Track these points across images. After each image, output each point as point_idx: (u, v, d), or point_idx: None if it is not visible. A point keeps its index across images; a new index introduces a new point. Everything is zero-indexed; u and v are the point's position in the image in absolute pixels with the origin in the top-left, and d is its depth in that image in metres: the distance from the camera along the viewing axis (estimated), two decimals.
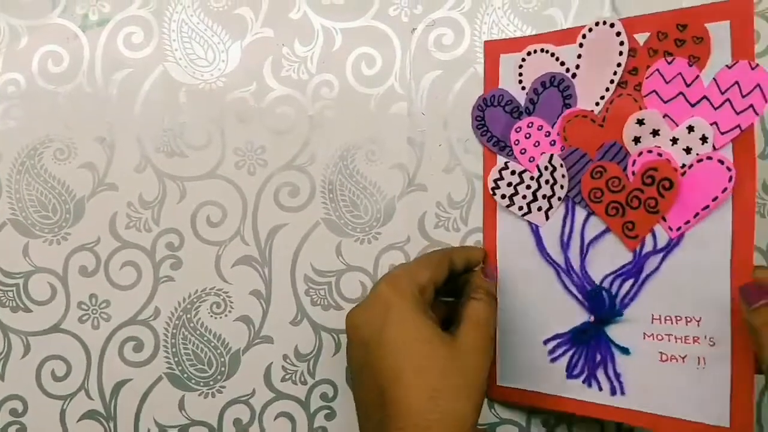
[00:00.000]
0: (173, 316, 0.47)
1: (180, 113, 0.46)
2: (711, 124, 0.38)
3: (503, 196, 0.45)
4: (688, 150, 0.39)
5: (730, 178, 0.38)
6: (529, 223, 0.44)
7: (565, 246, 0.43)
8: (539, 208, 0.44)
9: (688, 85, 0.39)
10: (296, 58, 0.46)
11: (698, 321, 0.39)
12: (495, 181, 0.45)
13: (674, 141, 0.39)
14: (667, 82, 0.39)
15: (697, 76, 0.39)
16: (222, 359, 0.47)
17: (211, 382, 0.47)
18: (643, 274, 0.40)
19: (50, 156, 0.46)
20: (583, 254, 0.43)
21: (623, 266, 0.41)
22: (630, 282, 0.41)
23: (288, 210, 0.47)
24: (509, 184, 0.45)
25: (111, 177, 0.47)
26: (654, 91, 0.40)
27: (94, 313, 0.47)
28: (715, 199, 0.38)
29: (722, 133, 0.38)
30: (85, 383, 0.47)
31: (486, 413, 0.48)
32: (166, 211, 0.47)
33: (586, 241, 0.42)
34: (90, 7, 0.46)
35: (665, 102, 0.40)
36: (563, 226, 0.43)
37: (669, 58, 0.39)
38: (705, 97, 0.39)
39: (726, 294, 0.38)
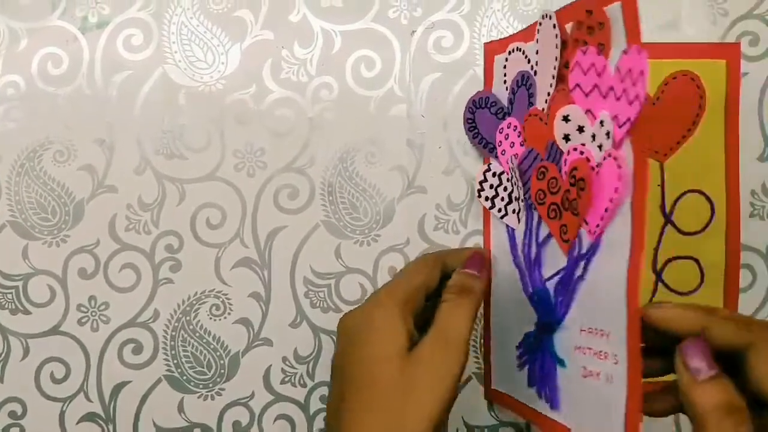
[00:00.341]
0: (172, 318, 0.47)
1: (179, 115, 0.46)
2: (612, 118, 0.33)
3: (486, 198, 0.45)
4: (601, 147, 0.34)
5: (620, 177, 0.32)
6: (507, 225, 0.44)
7: (525, 249, 0.42)
8: (513, 210, 0.43)
9: (599, 76, 0.34)
10: (296, 61, 0.46)
11: (607, 335, 0.33)
12: (480, 183, 0.45)
13: (594, 137, 0.35)
14: (584, 74, 0.35)
15: (605, 65, 0.34)
16: (221, 361, 0.47)
17: (211, 385, 0.47)
18: (573, 281, 0.37)
19: (50, 158, 0.46)
20: (534, 257, 0.41)
21: (559, 271, 0.38)
22: (567, 288, 0.37)
23: (287, 212, 0.47)
24: (491, 186, 0.44)
25: (110, 179, 0.47)
26: (577, 84, 0.35)
27: (94, 315, 0.47)
28: (611, 201, 0.33)
29: (619, 127, 0.32)
30: (85, 385, 0.47)
31: (485, 415, 0.48)
32: (165, 213, 0.47)
33: (536, 244, 0.41)
34: (89, 10, 0.46)
35: (586, 95, 0.35)
36: (525, 229, 0.42)
37: (584, 48, 0.35)
38: (612, 87, 0.33)
39: (622, 306, 0.32)
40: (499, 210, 0.44)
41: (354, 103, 0.46)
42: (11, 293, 0.47)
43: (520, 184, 0.42)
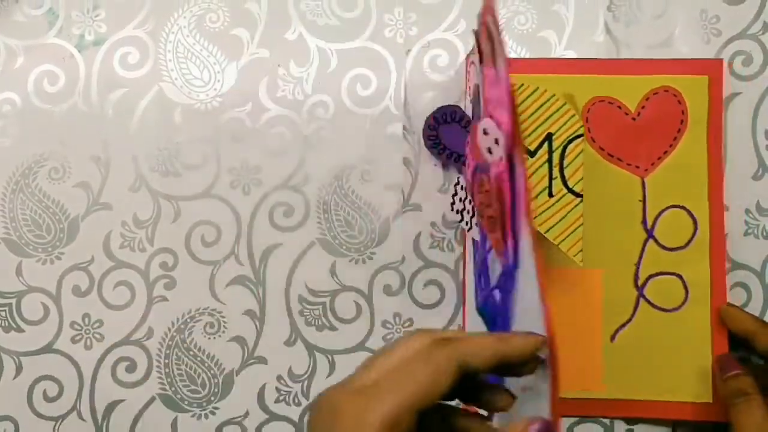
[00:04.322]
0: (167, 336, 0.47)
1: (175, 133, 0.46)
2: (498, 126, 0.32)
3: (457, 212, 0.44)
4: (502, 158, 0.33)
5: (510, 187, 0.31)
6: (473, 239, 0.43)
7: (477, 263, 0.40)
8: (476, 224, 0.40)
9: (496, 87, 0.32)
10: (292, 79, 0.47)
11: None
12: (452, 196, 0.44)
13: None
14: (491, 86, 0.33)
15: (494, 71, 0.32)
16: (215, 380, 0.47)
17: (205, 403, 0.47)
18: (510, 291, 0.34)
19: (45, 175, 0.46)
20: (482, 270, 0.39)
21: (498, 280, 0.36)
22: (505, 301, 0.35)
23: (283, 230, 0.47)
24: (461, 200, 0.44)
25: (105, 196, 0.46)
26: (488, 97, 0.34)
27: (87, 333, 0.47)
28: (503, 210, 0.32)
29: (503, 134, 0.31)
30: (78, 404, 0.47)
31: None
32: (160, 230, 0.47)
33: (483, 257, 0.39)
34: (86, 28, 0.46)
35: (494, 108, 0.33)
36: (479, 241, 0.40)
37: (472, 57, 0.34)
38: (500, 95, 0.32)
39: (538, 319, 0.29)
40: (466, 223, 0.43)
41: (349, 122, 0.47)
42: (4, 311, 0.46)
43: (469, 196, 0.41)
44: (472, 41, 0.46)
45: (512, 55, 0.46)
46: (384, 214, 0.47)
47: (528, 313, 0.31)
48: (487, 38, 0.32)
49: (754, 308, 0.47)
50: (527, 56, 0.46)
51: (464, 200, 0.43)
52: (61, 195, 0.46)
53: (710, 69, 0.45)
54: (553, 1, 0.46)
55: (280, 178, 0.47)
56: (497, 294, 0.37)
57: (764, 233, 0.47)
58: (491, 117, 0.32)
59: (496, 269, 0.37)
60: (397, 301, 0.47)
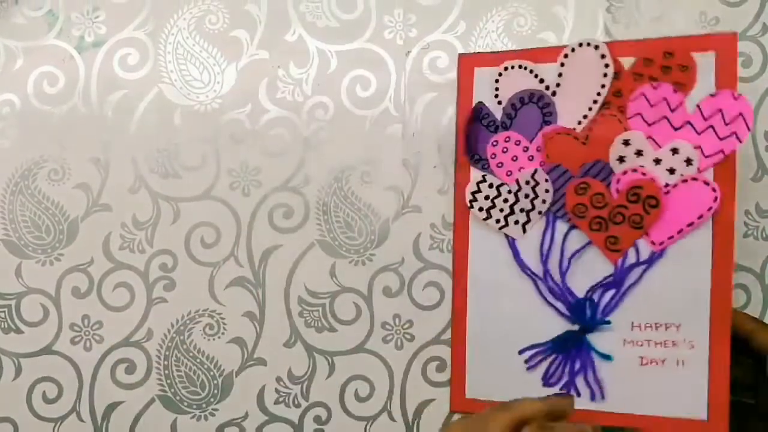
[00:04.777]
0: (166, 337, 0.47)
1: (175, 134, 0.46)
2: (695, 148, 0.40)
3: (480, 209, 0.45)
4: (672, 170, 0.41)
5: (715, 198, 0.40)
6: (506, 235, 0.45)
7: (544, 258, 0.44)
8: (516, 222, 0.44)
9: (672, 110, 0.41)
10: (291, 80, 0.47)
11: (677, 326, 0.42)
12: (473, 194, 0.45)
13: (657, 161, 0.41)
14: (651, 106, 0.41)
15: (681, 102, 0.41)
16: (215, 381, 0.47)
17: (204, 405, 0.47)
18: (625, 285, 0.42)
19: (44, 176, 0.46)
20: (565, 266, 0.43)
21: (606, 278, 0.43)
22: (611, 292, 0.43)
23: (282, 231, 0.47)
24: (486, 197, 0.44)
25: (105, 198, 0.46)
26: (639, 113, 0.42)
27: (87, 334, 0.47)
28: (700, 217, 0.40)
29: (706, 157, 0.40)
30: (77, 405, 0.47)
31: None
32: (160, 232, 0.47)
33: (567, 254, 0.43)
34: (86, 29, 0.46)
35: (649, 124, 0.41)
36: (543, 239, 0.44)
37: (654, 83, 0.41)
38: (689, 122, 0.41)
39: (706, 301, 0.41)
40: (497, 221, 0.45)
41: (349, 123, 0.47)
42: (4, 312, 0.46)
43: (543, 197, 0.43)
44: (471, 42, 0.46)
45: None
46: (383, 215, 0.47)
47: (659, 296, 0.42)
48: None
49: (754, 309, 0.47)
50: None
51: (494, 198, 0.44)
52: (61, 196, 0.46)
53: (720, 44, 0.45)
54: (552, 3, 0.46)
55: (280, 180, 0.47)
56: (600, 284, 0.43)
57: (764, 235, 0.47)
58: (629, 129, 0.42)
59: (594, 264, 0.43)
60: (396, 302, 0.47)
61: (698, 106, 0.41)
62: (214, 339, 0.47)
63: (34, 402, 0.47)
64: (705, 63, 0.40)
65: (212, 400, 0.47)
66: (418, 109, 0.46)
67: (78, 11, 0.46)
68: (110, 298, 0.47)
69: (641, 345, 0.42)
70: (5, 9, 0.46)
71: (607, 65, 0.42)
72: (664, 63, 0.41)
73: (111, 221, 0.46)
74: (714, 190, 0.40)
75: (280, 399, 0.47)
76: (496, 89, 0.44)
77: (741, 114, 0.40)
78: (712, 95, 0.40)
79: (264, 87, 0.47)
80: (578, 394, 0.43)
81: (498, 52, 0.45)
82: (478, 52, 0.46)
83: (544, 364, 0.44)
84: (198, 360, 0.47)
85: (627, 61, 0.42)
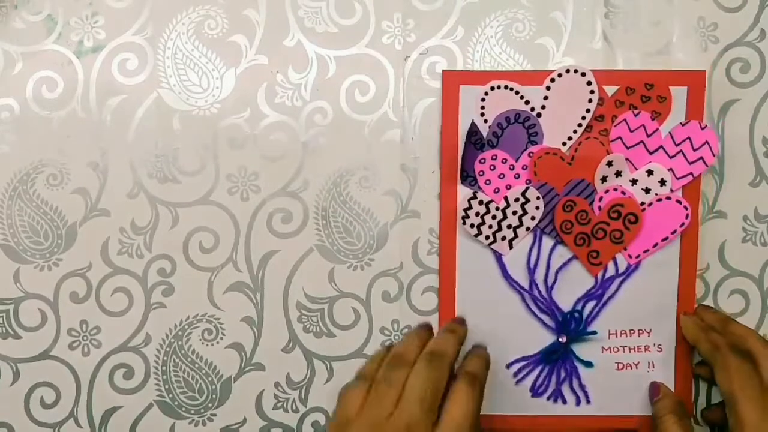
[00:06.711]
0: (164, 342, 0.47)
1: (174, 139, 0.46)
2: (668, 170, 0.45)
3: (472, 226, 0.46)
4: (647, 190, 0.46)
5: (687, 215, 0.45)
6: (493, 251, 0.46)
7: (531, 273, 0.46)
8: (503, 238, 0.46)
9: (648, 136, 0.45)
10: (290, 85, 0.47)
11: (648, 332, 0.47)
12: (465, 210, 0.46)
13: (633, 182, 0.46)
14: (631, 131, 0.45)
15: (657, 129, 0.45)
16: (213, 387, 0.47)
17: (202, 410, 0.47)
18: (605, 296, 0.47)
19: (43, 181, 0.46)
20: (551, 280, 0.47)
21: (589, 290, 0.47)
22: (592, 303, 0.47)
23: (281, 236, 0.47)
24: (477, 214, 0.46)
25: (103, 203, 0.46)
26: (619, 137, 0.46)
27: (85, 339, 0.47)
28: (673, 232, 0.46)
29: (678, 178, 0.45)
30: (75, 411, 0.47)
31: None
32: (158, 237, 0.47)
33: (554, 268, 0.47)
34: (85, 34, 0.46)
35: (628, 148, 0.46)
36: (529, 255, 0.46)
37: (635, 111, 0.45)
38: (662, 147, 0.45)
39: (673, 308, 0.47)
40: (486, 237, 0.46)
41: (348, 128, 0.47)
42: (2, 317, 0.46)
43: (532, 213, 0.46)
44: (469, 48, 0.46)
45: (510, 63, 0.46)
46: (382, 220, 0.47)
47: (632, 306, 0.46)
48: None
49: (753, 315, 0.47)
50: (525, 63, 0.46)
51: (483, 215, 0.46)
52: (59, 201, 0.46)
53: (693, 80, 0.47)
54: (550, 8, 0.46)
55: (279, 185, 0.47)
56: (584, 296, 0.47)
57: (762, 240, 0.47)
58: (611, 152, 0.46)
59: (578, 277, 0.47)
60: (395, 307, 0.47)
61: (670, 133, 0.46)
62: (212, 344, 0.47)
63: (31, 407, 0.46)
64: (678, 95, 0.45)
65: (210, 405, 0.47)
66: (417, 114, 0.47)
67: (77, 16, 0.46)
68: (108, 303, 0.47)
69: (617, 351, 0.47)
70: (4, 13, 0.46)
71: (592, 92, 0.45)
72: (644, 93, 0.46)
73: (109, 226, 0.46)
74: (686, 208, 0.45)
75: (279, 404, 0.47)
76: (482, 108, 0.46)
77: (707, 142, 0.45)
78: (682, 124, 0.45)
79: (263, 92, 0.47)
80: (564, 401, 0.47)
81: (483, 71, 0.46)
82: (464, 70, 0.46)
83: (532, 376, 0.47)
84: (196, 365, 0.47)
85: (609, 90, 0.46)
